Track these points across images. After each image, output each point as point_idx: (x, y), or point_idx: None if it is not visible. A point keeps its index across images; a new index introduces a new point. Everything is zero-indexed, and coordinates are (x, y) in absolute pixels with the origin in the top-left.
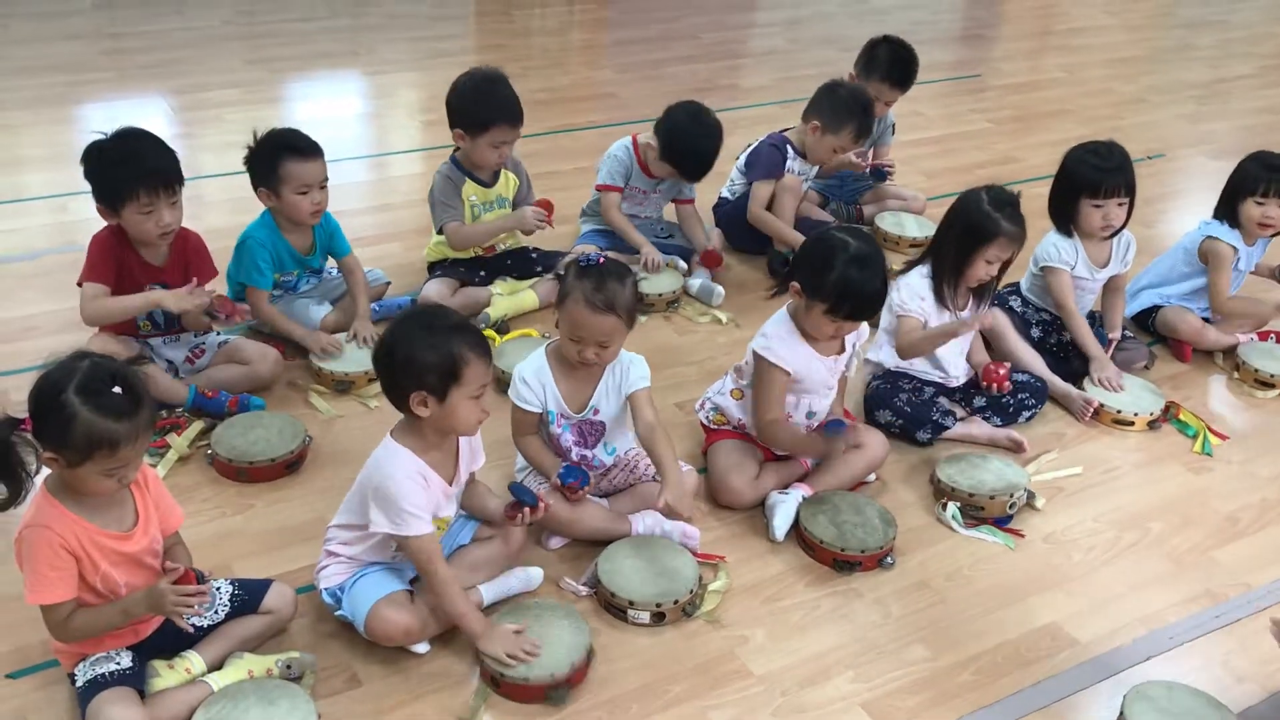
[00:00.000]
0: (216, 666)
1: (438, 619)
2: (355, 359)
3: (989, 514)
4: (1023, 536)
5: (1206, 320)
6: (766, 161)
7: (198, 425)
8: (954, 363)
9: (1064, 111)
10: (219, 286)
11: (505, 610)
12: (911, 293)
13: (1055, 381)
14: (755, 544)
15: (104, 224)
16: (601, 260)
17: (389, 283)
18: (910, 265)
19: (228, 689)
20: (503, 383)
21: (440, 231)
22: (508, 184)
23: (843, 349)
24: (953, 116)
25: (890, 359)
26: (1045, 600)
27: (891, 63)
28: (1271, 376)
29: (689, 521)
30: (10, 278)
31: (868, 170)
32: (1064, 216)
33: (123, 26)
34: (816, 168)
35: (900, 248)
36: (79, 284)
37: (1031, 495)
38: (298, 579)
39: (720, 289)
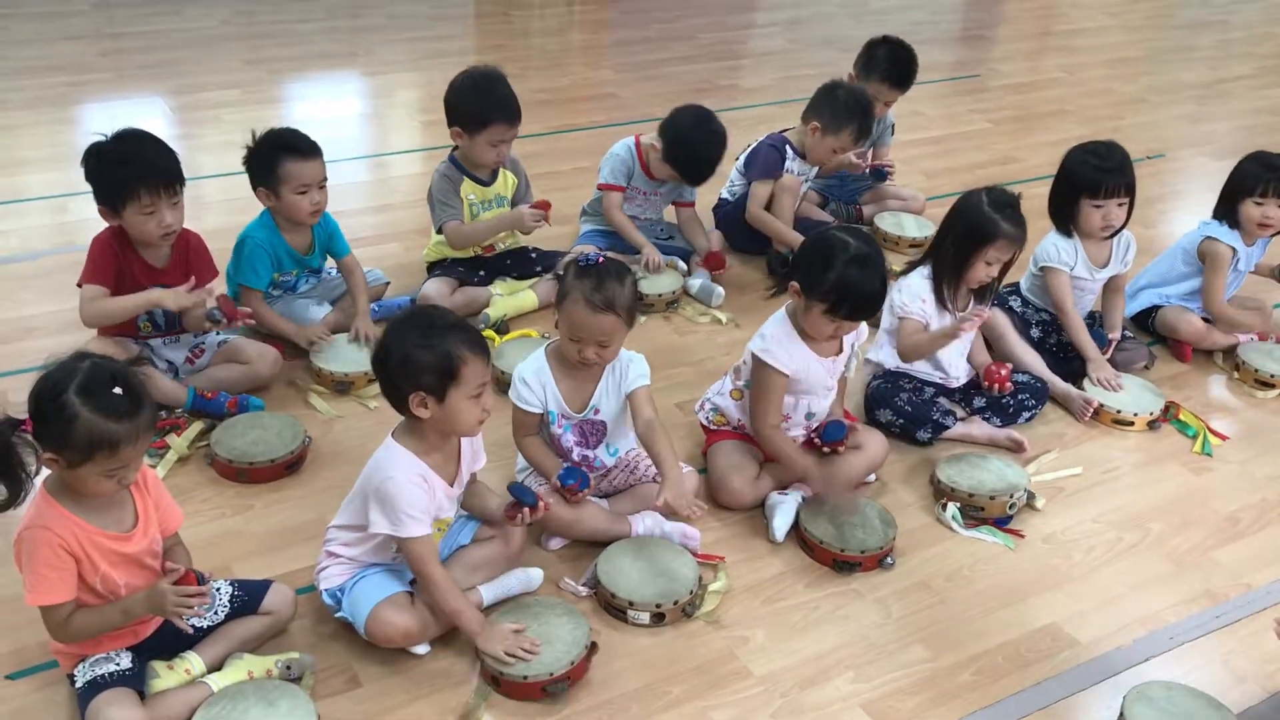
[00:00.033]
0: (216, 667)
1: (438, 621)
2: (354, 359)
3: (989, 514)
4: (1022, 537)
5: (1206, 320)
6: (765, 162)
7: (197, 426)
8: (955, 363)
9: (1064, 112)
10: (219, 286)
11: (505, 609)
12: (912, 294)
13: (1055, 382)
14: (755, 545)
15: (104, 225)
16: (600, 260)
17: (388, 283)
18: (911, 266)
19: (227, 690)
20: (503, 383)
21: (439, 231)
22: (506, 183)
23: (841, 349)
24: (952, 117)
25: (891, 359)
26: (1045, 601)
27: (891, 63)
28: (1271, 376)
29: (690, 520)
30: (10, 278)
31: (867, 170)
32: (1064, 217)
33: (122, 27)
34: (816, 168)
35: (900, 248)
36: (79, 285)
37: (1031, 495)
38: (297, 580)
39: (720, 289)
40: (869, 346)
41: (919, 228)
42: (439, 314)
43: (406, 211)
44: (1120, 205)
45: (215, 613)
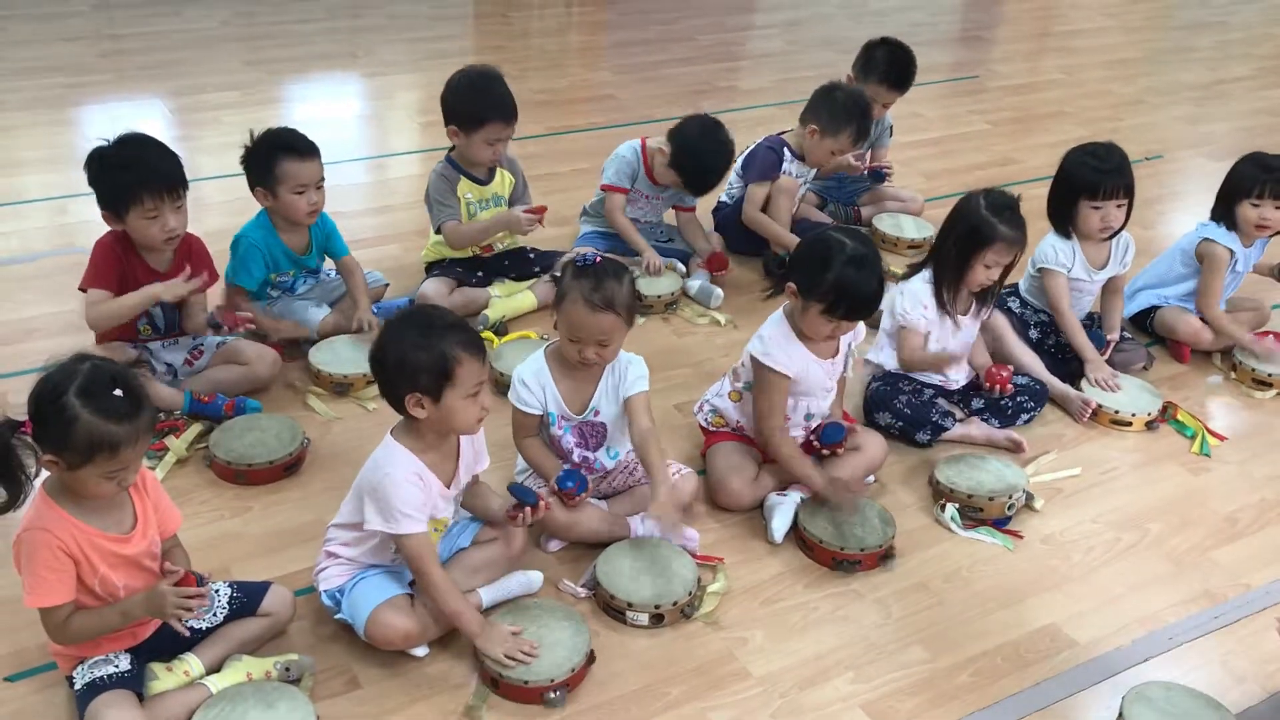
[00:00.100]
0: (215, 669)
1: (438, 622)
2: (353, 361)
3: (988, 515)
4: (1021, 538)
5: (1205, 321)
6: (762, 163)
7: (196, 428)
8: (956, 366)
9: (1062, 113)
10: (219, 288)
11: (504, 611)
12: (914, 300)
13: (1054, 383)
14: (754, 545)
15: (104, 226)
16: (598, 259)
17: (388, 284)
18: (912, 269)
19: (226, 691)
20: (502, 385)
21: (438, 231)
22: (504, 182)
23: (838, 350)
24: (951, 118)
25: (890, 360)
26: (1044, 601)
27: (889, 64)
28: (1269, 376)
29: (676, 536)
30: (9, 280)
31: (866, 172)
32: (1062, 218)
33: (121, 28)
34: (814, 170)
35: (898, 249)
36: (81, 289)
37: (1030, 496)
38: (296, 581)
39: (719, 291)
40: (868, 348)
41: (917, 229)
42: (436, 314)
43: (406, 213)
44: (1119, 207)
45: (214, 614)
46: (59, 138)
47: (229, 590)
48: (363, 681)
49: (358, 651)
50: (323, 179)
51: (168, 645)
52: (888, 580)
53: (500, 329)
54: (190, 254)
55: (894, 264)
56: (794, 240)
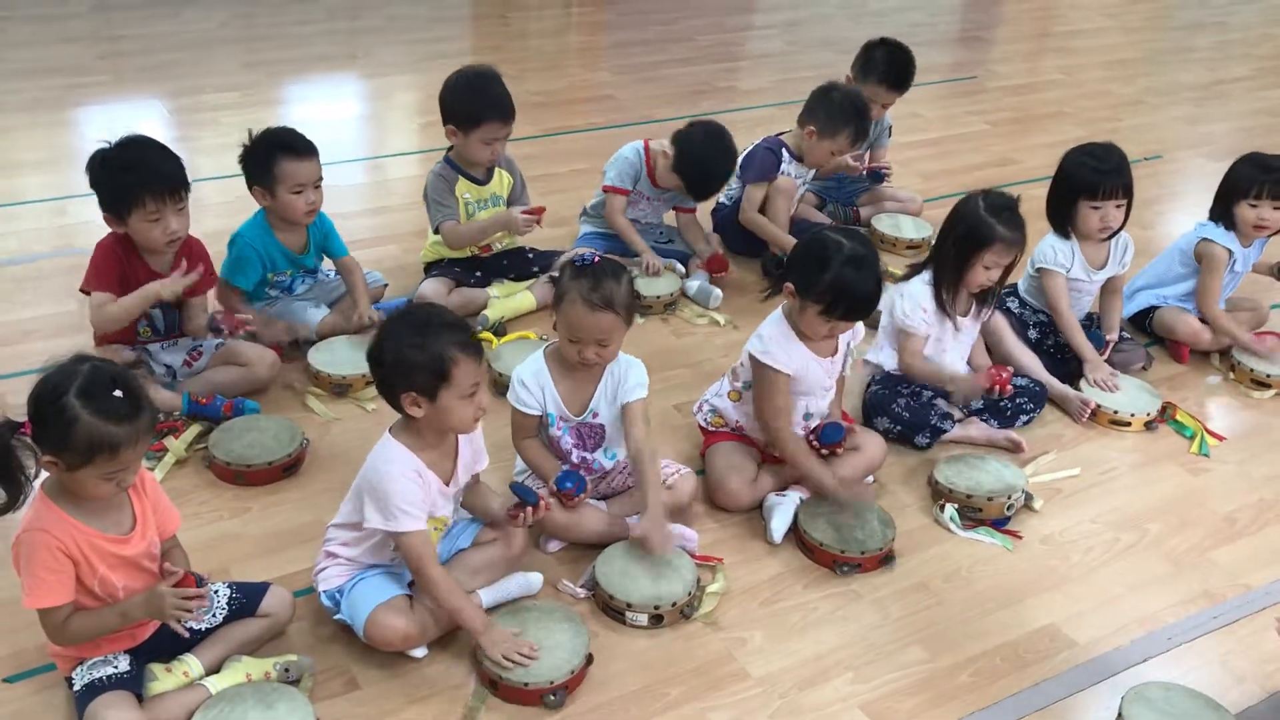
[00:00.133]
0: (214, 670)
1: (437, 624)
2: (352, 362)
3: (987, 515)
4: (1020, 538)
5: (1204, 321)
6: (760, 164)
7: (195, 428)
8: (955, 367)
9: (1062, 113)
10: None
11: (504, 612)
12: (914, 304)
13: (1053, 383)
14: (753, 546)
15: (103, 227)
16: (596, 259)
17: (386, 284)
18: (913, 270)
19: (225, 692)
20: (501, 385)
21: (436, 231)
22: (502, 182)
23: (837, 349)
24: (950, 118)
25: (890, 361)
26: (1043, 601)
27: (889, 65)
28: (1268, 377)
29: (661, 554)
30: (7, 281)
31: (865, 173)
32: (1062, 218)
33: (120, 29)
34: (813, 171)
35: (897, 249)
36: (83, 291)
37: (1029, 496)
38: (295, 582)
39: (718, 291)
40: (868, 348)
41: (916, 229)
42: (434, 313)
43: (405, 213)
44: (1118, 207)
45: (213, 615)
46: (58, 139)
47: (228, 591)
48: (362, 682)
49: (357, 652)
50: (321, 179)
51: (167, 646)
52: (887, 580)
53: (499, 329)
54: (191, 256)
55: (893, 264)
56: (791, 241)
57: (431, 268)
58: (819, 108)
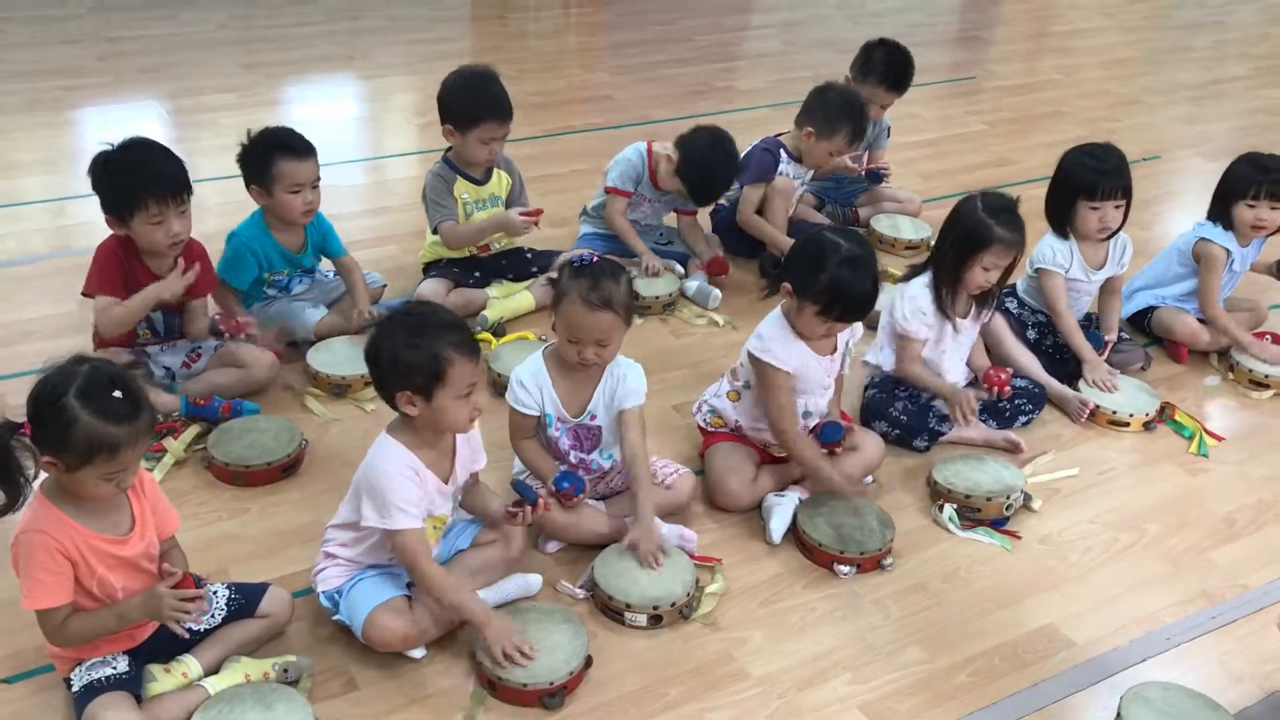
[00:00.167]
0: (213, 670)
1: (436, 624)
2: (351, 362)
3: (985, 516)
4: (1019, 538)
5: (1202, 321)
6: (757, 165)
7: (194, 429)
8: (954, 369)
9: (1060, 113)
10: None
11: (503, 613)
12: (914, 307)
13: (1051, 383)
14: (752, 546)
15: (102, 228)
16: (595, 259)
17: (385, 285)
18: (912, 271)
19: (224, 693)
20: (500, 386)
21: (434, 231)
22: (500, 183)
23: (836, 348)
24: (948, 119)
25: (889, 361)
26: (1042, 602)
27: (887, 66)
28: (1266, 378)
29: (655, 566)
30: (7, 281)
31: (863, 173)
32: (1060, 218)
33: (118, 30)
34: (811, 171)
35: (896, 250)
36: (86, 295)
37: (1028, 497)
38: (294, 583)
39: (717, 292)
40: (867, 349)
41: (915, 230)
42: (432, 313)
43: (403, 214)
44: (1117, 207)
45: (212, 616)
46: (57, 140)
47: (227, 591)
48: (360, 683)
49: (356, 653)
50: (318, 179)
51: (166, 647)
52: (886, 581)
53: (498, 330)
54: (192, 259)
55: (891, 265)
56: (789, 242)
57: (430, 268)
58: (816, 108)
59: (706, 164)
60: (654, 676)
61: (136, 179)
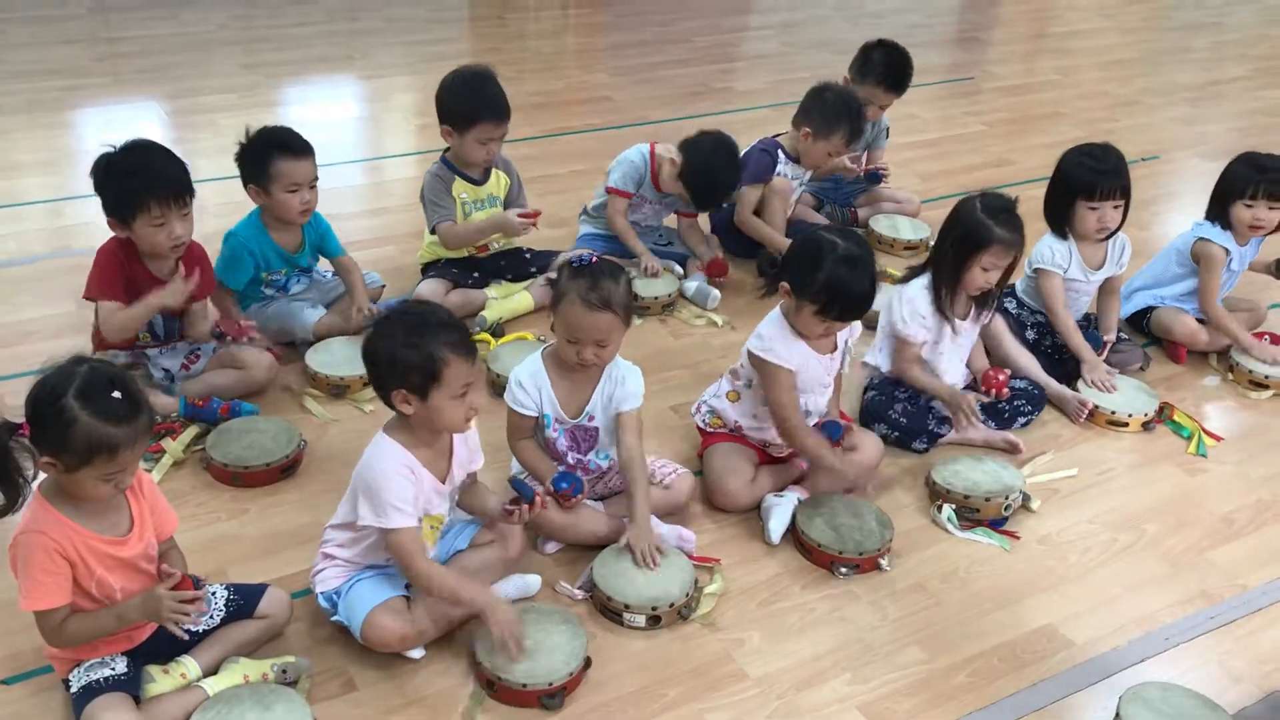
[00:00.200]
0: (212, 671)
1: (435, 625)
2: (350, 363)
3: (984, 516)
4: (1018, 538)
5: (1201, 321)
6: (755, 166)
7: (192, 430)
8: (953, 370)
9: (1059, 114)
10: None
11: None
12: (912, 310)
13: (1050, 384)
14: (751, 547)
15: (101, 230)
16: (594, 260)
17: (384, 285)
18: (912, 272)
19: (223, 694)
20: (498, 386)
21: (433, 231)
22: (499, 183)
23: (835, 346)
24: (947, 119)
25: (888, 363)
26: (1041, 602)
27: (886, 67)
28: (1265, 378)
29: (651, 565)
30: (6, 282)
31: (862, 174)
32: (1059, 219)
33: (117, 31)
34: (810, 172)
35: (894, 250)
36: (88, 299)
37: (1027, 497)
38: (293, 583)
39: (716, 292)
40: (866, 350)
41: (914, 230)
42: (429, 312)
43: (402, 214)
44: (1116, 208)
45: (210, 617)
46: (56, 141)
47: (226, 592)
48: (359, 684)
49: (354, 654)
50: (316, 178)
51: (164, 648)
52: (885, 581)
53: (497, 331)
54: (192, 262)
55: (890, 265)
56: (786, 243)
57: (429, 268)
58: (813, 108)
59: (709, 169)
60: (653, 677)
61: (139, 181)
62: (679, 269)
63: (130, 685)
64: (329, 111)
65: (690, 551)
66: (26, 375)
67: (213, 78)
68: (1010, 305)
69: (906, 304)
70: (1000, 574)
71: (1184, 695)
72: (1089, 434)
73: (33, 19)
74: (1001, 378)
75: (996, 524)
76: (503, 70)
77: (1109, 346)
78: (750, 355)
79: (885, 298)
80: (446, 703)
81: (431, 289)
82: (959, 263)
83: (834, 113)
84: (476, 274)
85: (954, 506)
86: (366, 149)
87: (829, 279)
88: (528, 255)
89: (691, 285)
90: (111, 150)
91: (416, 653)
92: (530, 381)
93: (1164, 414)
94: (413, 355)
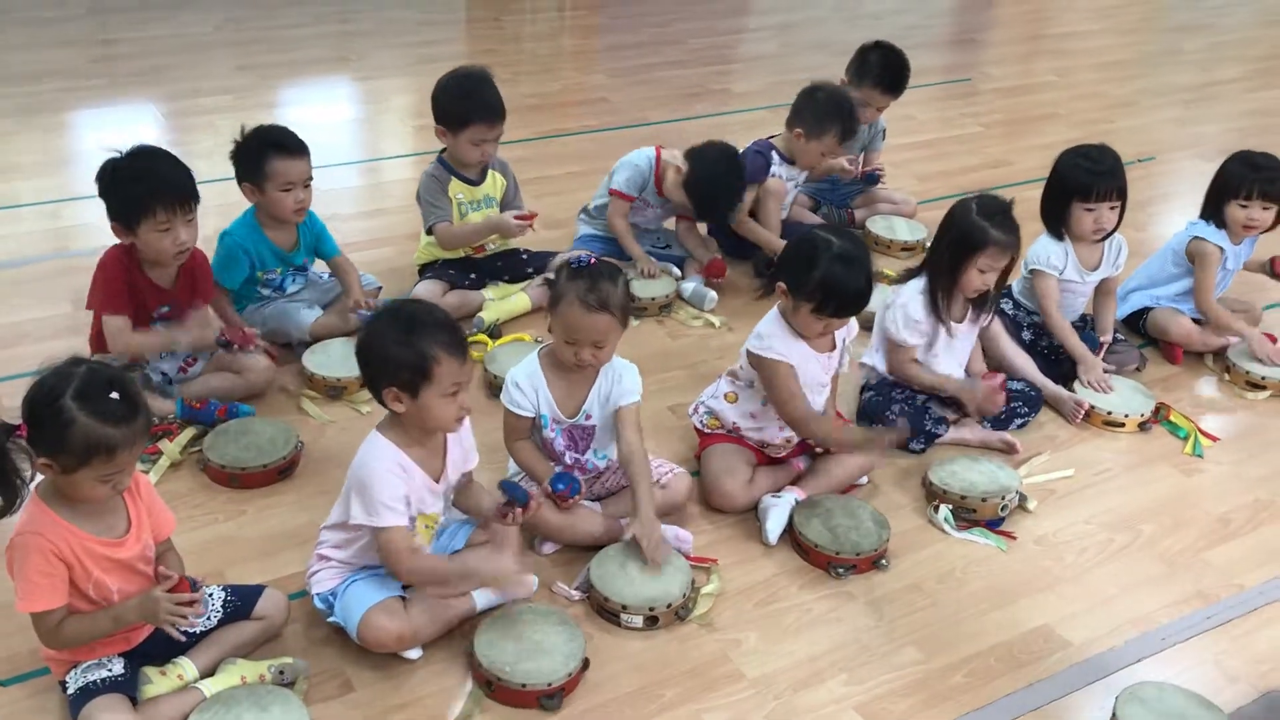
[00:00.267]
0: (209, 673)
1: (431, 624)
2: (347, 364)
3: (981, 516)
4: (1014, 539)
5: (1197, 321)
6: (749, 168)
7: (190, 431)
8: (951, 373)
9: (1055, 115)
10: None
11: (497, 616)
12: (906, 315)
13: (1046, 384)
14: (748, 547)
15: (98, 231)
16: (592, 260)
17: (381, 287)
18: (908, 274)
19: (220, 695)
20: (495, 387)
21: (429, 232)
22: (495, 184)
23: (834, 345)
24: (944, 120)
25: (884, 364)
26: (1037, 602)
27: (883, 68)
28: (1262, 379)
29: (655, 563)
30: (2, 284)
31: (859, 175)
32: (1055, 220)
33: (113, 33)
34: (805, 173)
35: (891, 251)
36: (90, 309)
37: (1023, 497)
38: (290, 585)
39: (713, 293)
40: (864, 351)
41: (910, 231)
42: (423, 311)
43: (398, 216)
44: (1112, 209)
45: (208, 618)
46: (52, 143)
47: (223, 594)
48: (356, 684)
49: (351, 654)
50: (310, 178)
51: (161, 649)
52: (881, 581)
53: (495, 332)
54: (195, 270)
55: (887, 266)
56: (781, 244)
57: (426, 270)
58: (805, 109)
59: (713, 181)
60: (650, 678)
61: (144, 186)
62: (677, 270)
63: (127, 687)
64: (325, 113)
65: (687, 552)
66: (23, 377)
67: (209, 79)
68: (1006, 306)
69: (900, 310)
70: (997, 574)
71: (1180, 695)
72: (1085, 434)
73: (29, 21)
74: (996, 384)
75: (993, 524)
76: (499, 72)
77: (1106, 347)
78: (749, 354)
79: (880, 298)
80: (444, 703)
81: (429, 290)
82: (955, 265)
83: (825, 113)
84: (473, 275)
85: (950, 507)
86: (363, 151)
87: (825, 277)
88: (524, 256)
89: (689, 286)
90: (117, 156)
91: (413, 653)
92: (527, 382)
93: (1160, 414)
94: (403, 353)
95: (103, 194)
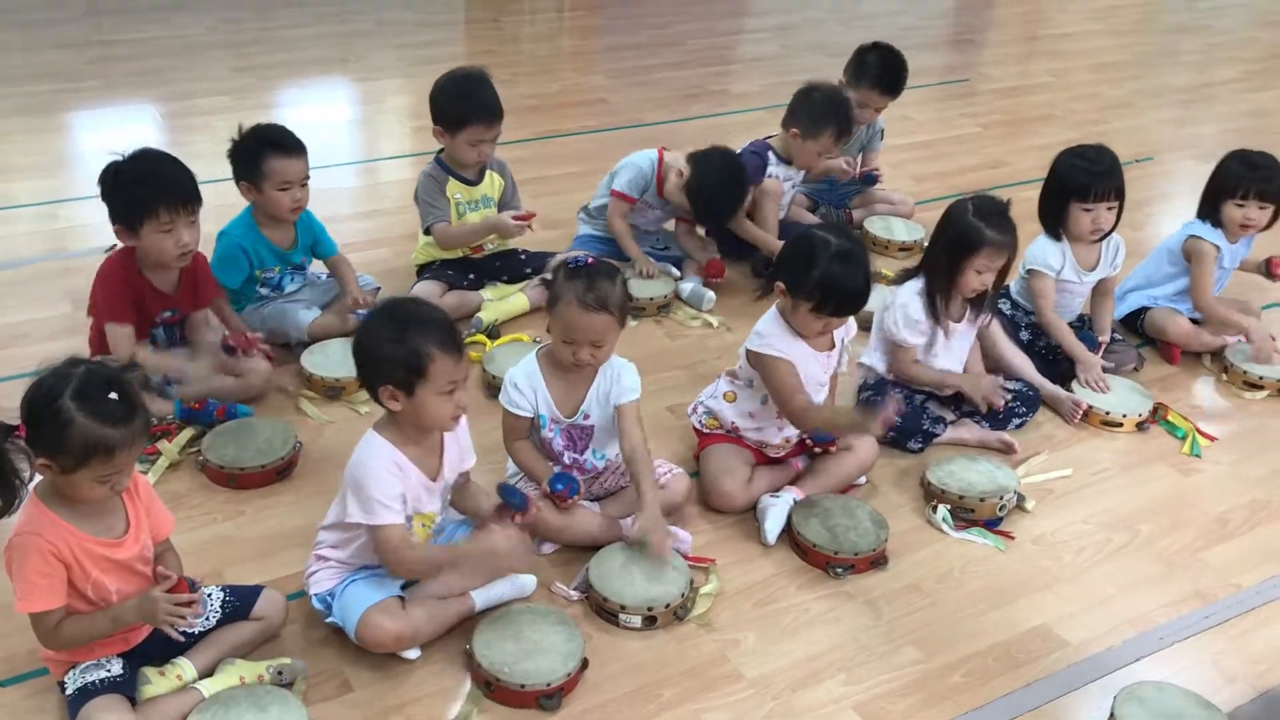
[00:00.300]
0: (208, 673)
1: (430, 624)
2: (345, 364)
3: (979, 516)
4: (1013, 538)
5: (1195, 321)
6: (746, 168)
7: (188, 432)
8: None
9: (1052, 116)
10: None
11: (496, 616)
12: (905, 316)
13: (1044, 384)
14: (747, 547)
15: (92, 234)
16: (590, 260)
17: (379, 288)
18: (905, 274)
19: (219, 695)
20: (494, 388)
21: (427, 232)
22: (493, 184)
23: (833, 344)
24: (942, 121)
25: (882, 364)
26: (1035, 602)
27: (881, 69)
28: (1260, 378)
29: (660, 555)
30: (0, 285)
31: (857, 175)
32: (1053, 220)
33: (111, 34)
34: (802, 173)
35: (889, 251)
36: (91, 315)
37: (1021, 497)
38: (289, 585)
39: (711, 294)
40: (862, 351)
41: (908, 232)
42: (420, 309)
43: (396, 217)
44: (1109, 209)
45: (206, 619)
46: (49, 144)
47: (221, 594)
48: (355, 685)
49: (350, 655)
50: (308, 177)
51: (160, 649)
52: (880, 581)
53: (494, 332)
54: (196, 274)
55: (885, 266)
56: (778, 244)
57: (424, 270)
58: (800, 109)
59: (715, 187)
60: (648, 678)
61: (148, 188)
62: (675, 271)
63: (126, 687)
64: (322, 114)
65: (686, 552)
66: (21, 377)
67: (205, 80)
68: (1004, 307)
69: (899, 311)
70: (995, 574)
71: (1178, 694)
72: (1083, 434)
73: (25, 23)
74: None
75: (991, 524)
76: (497, 73)
77: (1104, 347)
78: (749, 353)
79: (879, 298)
80: (443, 704)
81: (427, 290)
82: (952, 266)
83: (821, 112)
84: (472, 275)
85: (949, 507)
86: (360, 151)
87: (823, 275)
88: (523, 256)
89: (687, 286)
90: (120, 159)
91: (412, 653)
92: (525, 382)
93: (1158, 414)
94: (398, 351)
95: (105, 196)
